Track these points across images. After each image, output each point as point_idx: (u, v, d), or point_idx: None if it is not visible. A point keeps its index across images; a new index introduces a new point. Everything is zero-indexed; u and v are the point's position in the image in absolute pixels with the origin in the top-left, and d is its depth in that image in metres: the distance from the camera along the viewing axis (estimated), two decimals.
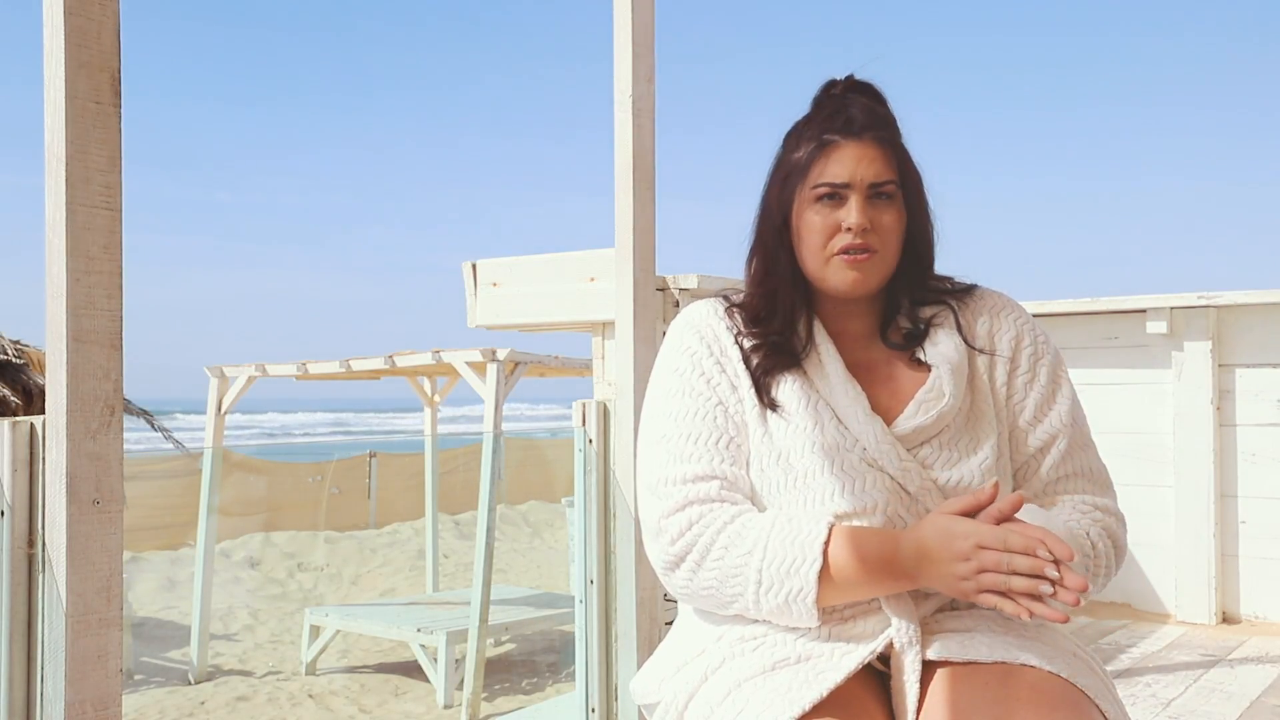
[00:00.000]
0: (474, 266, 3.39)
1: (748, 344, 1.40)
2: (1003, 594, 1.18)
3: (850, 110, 1.39)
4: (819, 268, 1.38)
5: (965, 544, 1.20)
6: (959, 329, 1.43)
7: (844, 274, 1.36)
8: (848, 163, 1.36)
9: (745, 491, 1.36)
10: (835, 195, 1.36)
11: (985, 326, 1.44)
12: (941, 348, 1.40)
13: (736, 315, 1.44)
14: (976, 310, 1.46)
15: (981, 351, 1.43)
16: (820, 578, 1.24)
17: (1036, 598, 1.16)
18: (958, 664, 1.25)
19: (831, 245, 1.36)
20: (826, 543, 1.25)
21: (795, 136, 1.42)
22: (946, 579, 1.22)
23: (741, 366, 1.39)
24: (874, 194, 1.36)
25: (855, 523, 1.30)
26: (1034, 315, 1.61)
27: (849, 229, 1.35)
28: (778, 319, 1.41)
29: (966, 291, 1.48)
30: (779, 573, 1.26)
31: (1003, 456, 1.39)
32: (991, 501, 1.24)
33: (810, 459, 1.32)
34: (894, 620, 1.27)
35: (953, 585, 1.22)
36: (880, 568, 1.25)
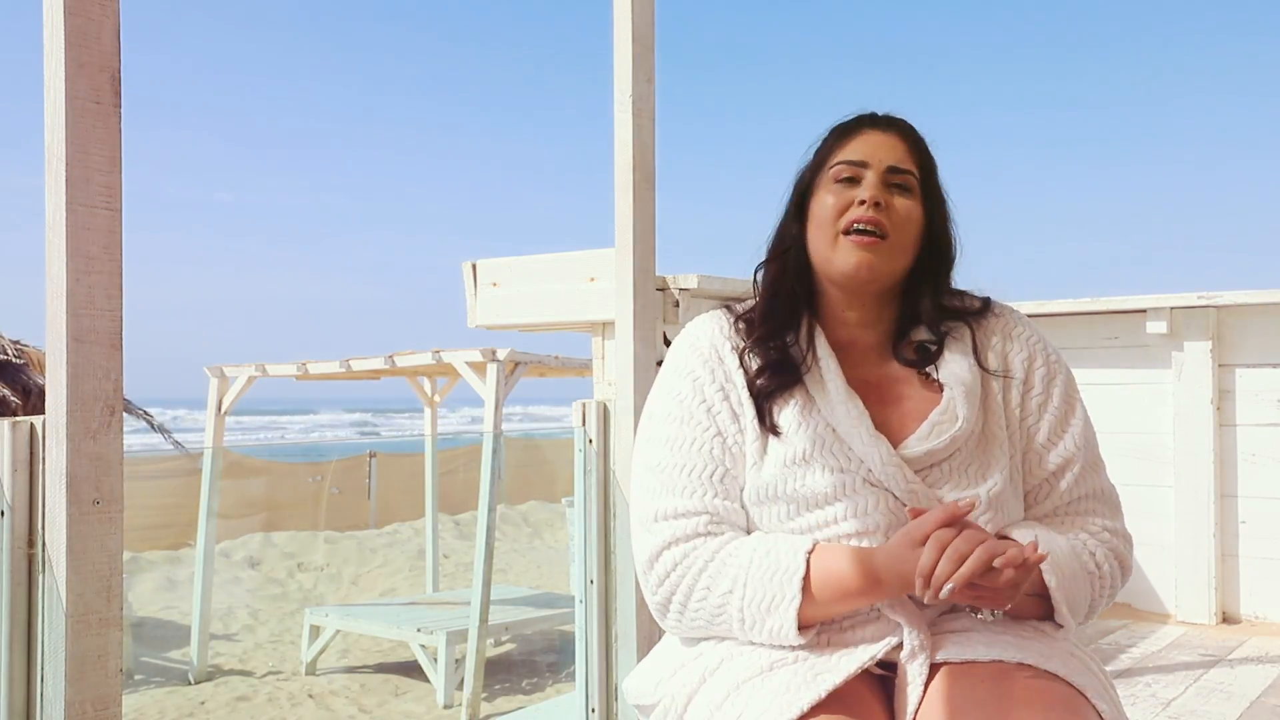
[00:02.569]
0: (474, 266, 3.38)
1: (751, 363, 1.38)
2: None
3: (877, 112, 1.42)
4: (826, 247, 1.36)
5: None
6: (974, 349, 1.40)
7: (851, 254, 1.34)
8: (868, 145, 1.37)
9: (736, 525, 1.34)
10: (852, 177, 1.36)
11: (998, 346, 1.42)
12: (955, 368, 1.37)
13: (741, 328, 1.41)
14: (990, 329, 1.43)
15: (994, 374, 1.40)
16: (799, 613, 1.25)
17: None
18: (955, 664, 1.24)
19: (842, 221, 1.34)
20: (806, 577, 1.25)
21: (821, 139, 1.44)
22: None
23: (745, 393, 1.36)
24: (891, 180, 1.36)
25: (855, 543, 1.29)
26: (1035, 315, 1.60)
27: (862, 202, 1.33)
28: (778, 318, 1.39)
29: (981, 308, 1.45)
30: (759, 610, 1.26)
31: (1014, 481, 1.37)
32: (966, 515, 1.23)
33: (812, 482, 1.30)
34: (904, 629, 1.27)
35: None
36: (861, 592, 1.25)
